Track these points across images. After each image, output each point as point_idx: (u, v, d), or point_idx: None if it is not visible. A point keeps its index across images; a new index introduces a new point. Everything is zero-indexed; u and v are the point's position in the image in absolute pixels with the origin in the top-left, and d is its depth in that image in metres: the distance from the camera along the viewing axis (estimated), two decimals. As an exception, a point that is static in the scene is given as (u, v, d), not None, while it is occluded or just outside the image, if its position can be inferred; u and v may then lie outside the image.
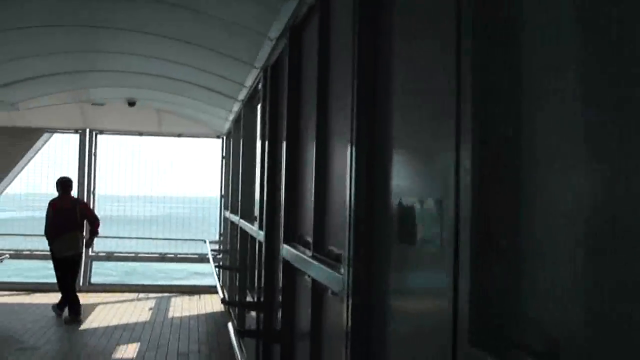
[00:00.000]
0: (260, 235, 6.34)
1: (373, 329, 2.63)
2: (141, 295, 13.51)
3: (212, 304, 12.64)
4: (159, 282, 17.81)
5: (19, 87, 9.55)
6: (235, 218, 10.15)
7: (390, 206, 2.46)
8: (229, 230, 12.36)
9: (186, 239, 15.44)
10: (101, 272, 16.46)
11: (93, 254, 14.25)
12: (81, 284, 13.58)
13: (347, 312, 2.75)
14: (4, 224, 17.67)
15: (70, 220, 10.93)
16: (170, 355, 8.66)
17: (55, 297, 11.07)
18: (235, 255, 10.61)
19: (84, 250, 11.47)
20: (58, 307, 11.04)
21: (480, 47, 1.67)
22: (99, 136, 14.47)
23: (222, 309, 11.38)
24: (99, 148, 14.53)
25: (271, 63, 6.07)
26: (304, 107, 4.67)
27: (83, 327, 10.36)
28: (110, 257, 14.88)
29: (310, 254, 3.92)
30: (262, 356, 5.91)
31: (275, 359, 5.22)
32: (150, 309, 12.17)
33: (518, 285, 1.56)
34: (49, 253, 11.20)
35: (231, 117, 11.30)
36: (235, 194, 10.42)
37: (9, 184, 14.61)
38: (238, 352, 4.47)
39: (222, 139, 14.47)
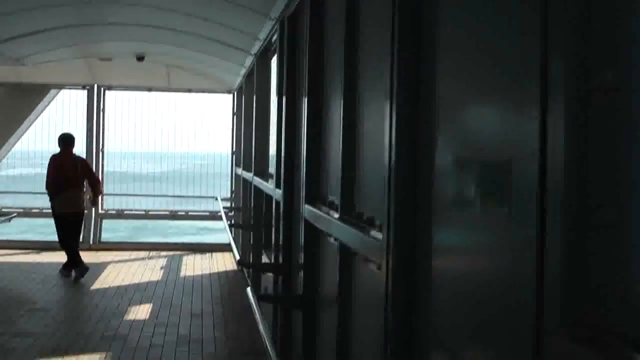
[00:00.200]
0: (278, 194, 6.10)
1: (418, 298, 2.38)
2: (152, 253, 13.37)
3: (225, 262, 12.47)
4: (170, 239, 17.71)
5: (24, 41, 9.27)
6: (248, 175, 9.91)
7: (442, 167, 2.19)
8: (241, 188, 12.13)
9: (197, 196, 15.26)
10: (111, 228, 16.31)
11: (102, 211, 14.10)
12: (91, 242, 13.51)
13: (387, 279, 2.50)
14: (14, 181, 17.55)
15: (70, 177, 10.68)
16: (183, 316, 8.49)
17: (64, 256, 10.86)
18: (248, 213, 10.39)
19: (84, 210, 11.19)
20: (64, 268, 10.82)
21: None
22: (107, 92, 14.22)
23: (235, 268, 11.21)
24: (108, 104, 14.30)
25: (289, 13, 5.76)
26: (328, 58, 4.38)
27: (94, 287, 10.19)
28: (120, 214, 14.72)
29: (337, 215, 3.67)
30: (281, 322, 5.71)
31: (296, 326, 5.00)
32: (162, 267, 12.02)
33: (624, 267, 1.29)
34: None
35: (243, 71, 10.98)
36: (248, 150, 10.15)
37: (17, 140, 14.41)
38: (260, 319, 4.25)
39: (233, 94, 14.15)
